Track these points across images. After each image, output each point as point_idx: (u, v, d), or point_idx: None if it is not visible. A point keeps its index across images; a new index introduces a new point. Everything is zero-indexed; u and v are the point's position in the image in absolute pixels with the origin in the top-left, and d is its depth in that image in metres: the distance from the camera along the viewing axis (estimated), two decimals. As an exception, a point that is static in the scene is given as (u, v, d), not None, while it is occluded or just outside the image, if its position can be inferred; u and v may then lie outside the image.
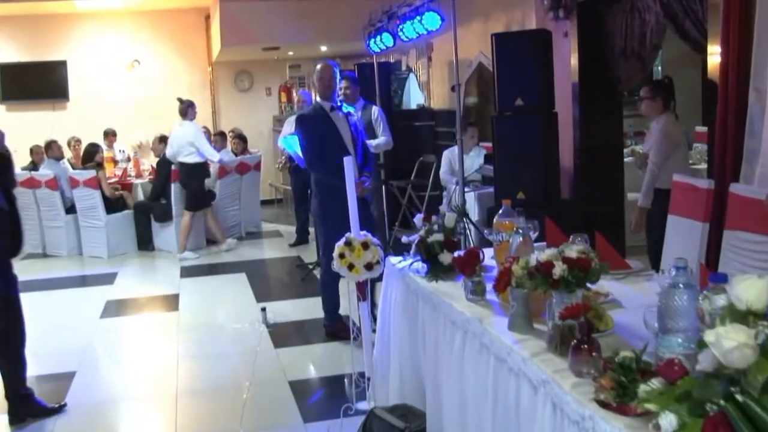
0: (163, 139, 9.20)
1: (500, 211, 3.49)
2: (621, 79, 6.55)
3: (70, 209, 9.16)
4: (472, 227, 6.82)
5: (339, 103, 6.89)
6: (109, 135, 10.89)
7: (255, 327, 5.87)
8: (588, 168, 6.79)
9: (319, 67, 5.73)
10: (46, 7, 11.32)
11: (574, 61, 6.76)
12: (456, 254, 3.27)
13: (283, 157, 8.95)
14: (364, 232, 3.84)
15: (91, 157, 9.17)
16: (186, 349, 5.51)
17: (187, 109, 8.76)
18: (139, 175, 9.87)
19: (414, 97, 11.22)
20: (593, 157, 6.76)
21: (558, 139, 6.56)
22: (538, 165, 6.41)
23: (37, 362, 4.98)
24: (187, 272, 8.01)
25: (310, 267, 7.60)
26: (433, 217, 3.78)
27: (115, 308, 6.77)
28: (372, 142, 7.05)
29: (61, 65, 12.17)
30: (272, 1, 9.96)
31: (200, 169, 8.77)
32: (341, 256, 3.72)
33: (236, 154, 10.08)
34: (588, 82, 6.68)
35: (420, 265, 3.51)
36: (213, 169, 9.57)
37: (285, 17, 10.01)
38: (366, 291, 3.89)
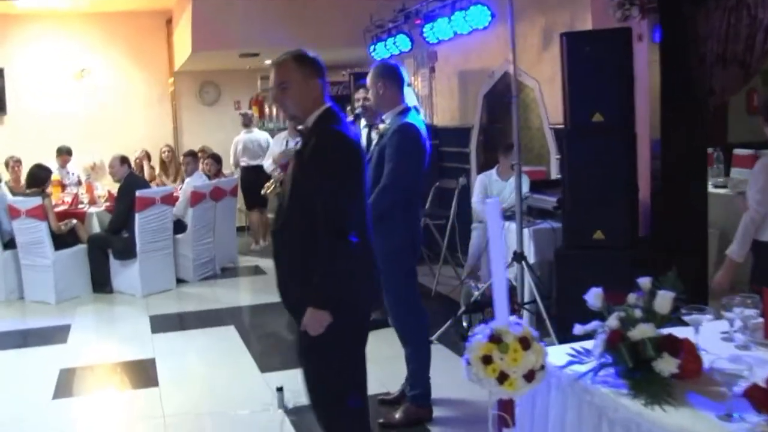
0: (124, 160, 7.57)
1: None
2: (715, 91, 5.26)
3: (9, 244, 7.42)
4: (531, 278, 5.41)
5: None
6: (63, 154, 9.19)
7: (271, 415, 4.34)
8: (667, 199, 5.47)
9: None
10: (-21, 6, 9.57)
11: (653, 69, 5.44)
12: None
13: (274, 180, 7.39)
14: (513, 318, 2.39)
15: (39, 182, 7.43)
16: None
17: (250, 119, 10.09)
18: (92, 202, 8.17)
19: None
20: (673, 185, 5.46)
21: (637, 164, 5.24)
22: (619, 197, 5.06)
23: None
24: (160, 325, 6.37)
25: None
26: (631, 296, 2.36)
27: (72, 382, 5.07)
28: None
29: (-3, 73, 10.39)
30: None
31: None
32: (486, 360, 2.25)
33: (209, 177, 8.48)
34: (670, 95, 5.37)
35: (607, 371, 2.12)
36: (183, 196, 7.98)
37: (267, 19, 8.49)
38: (514, 414, 2.42)
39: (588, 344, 2.50)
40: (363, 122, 5.76)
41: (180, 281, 7.83)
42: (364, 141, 5.65)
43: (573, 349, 2.49)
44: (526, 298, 5.58)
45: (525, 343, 2.26)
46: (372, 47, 7.63)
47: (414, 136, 4.05)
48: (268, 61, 10.09)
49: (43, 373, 5.20)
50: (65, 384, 5.03)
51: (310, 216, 2.80)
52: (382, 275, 4.02)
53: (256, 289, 7.73)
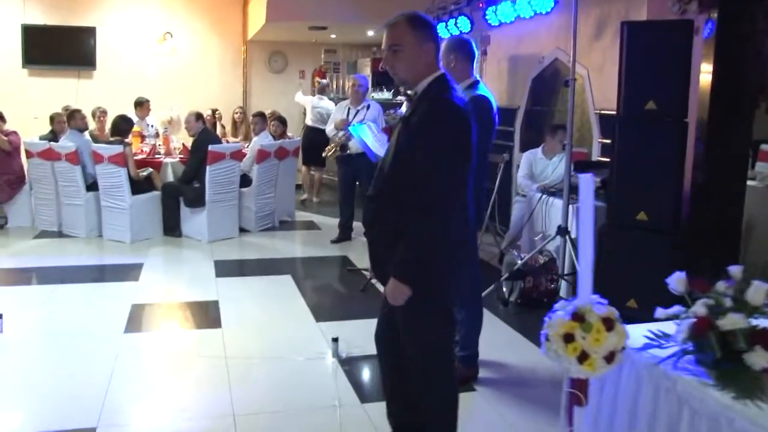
0: (199, 117, 7.32)
1: None
2: (766, 89, 4.82)
3: (92, 186, 7.26)
4: (572, 252, 5.07)
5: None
6: (144, 105, 8.95)
7: (326, 362, 4.10)
8: (709, 189, 5.05)
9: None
10: (77, -31, 9.33)
11: (707, 63, 4.98)
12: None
13: (333, 145, 7.11)
14: (596, 297, 2.08)
15: (122, 132, 7.23)
16: (240, 398, 3.62)
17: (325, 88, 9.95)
18: (168, 153, 7.97)
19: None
20: (716, 177, 5.04)
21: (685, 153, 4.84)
22: (666, 183, 4.67)
23: (47, 405, 3.18)
24: (223, 270, 6.16)
25: (368, 275, 5.81)
26: (721, 284, 2.03)
27: (142, 317, 4.89)
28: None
29: (90, 32, 10.15)
30: (326, -25, 8.06)
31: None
32: (568, 338, 1.94)
33: (275, 138, 8.20)
34: (723, 89, 4.92)
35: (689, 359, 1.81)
36: (251, 153, 7.72)
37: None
38: (588, 392, 2.12)
39: (665, 327, 2.17)
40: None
41: (242, 230, 7.61)
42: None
43: (650, 332, 2.17)
44: (566, 270, 5.25)
45: (609, 323, 1.96)
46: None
47: (488, 108, 3.71)
48: (334, 36, 9.74)
49: (116, 307, 5.01)
50: (136, 319, 4.84)
51: (409, 185, 2.43)
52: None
53: (311, 242, 7.48)
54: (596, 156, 6.45)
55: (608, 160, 5.45)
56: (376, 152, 5.78)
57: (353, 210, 7.47)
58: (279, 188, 8.14)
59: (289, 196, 8.56)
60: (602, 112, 6.34)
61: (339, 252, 7.02)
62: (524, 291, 5.30)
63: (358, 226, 7.50)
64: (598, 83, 6.40)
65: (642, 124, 4.70)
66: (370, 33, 9.26)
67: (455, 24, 6.59)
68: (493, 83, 8.58)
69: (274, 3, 8.05)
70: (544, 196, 5.77)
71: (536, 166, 6.42)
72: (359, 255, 6.81)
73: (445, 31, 6.98)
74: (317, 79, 10.53)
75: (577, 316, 1.95)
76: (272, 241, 7.46)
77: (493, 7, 5.79)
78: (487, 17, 5.92)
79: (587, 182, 1.98)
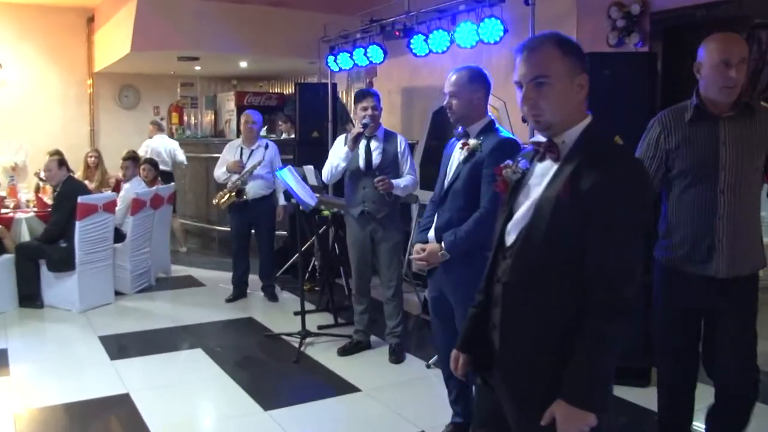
0: (62, 163, 6.00)
1: None
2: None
3: None
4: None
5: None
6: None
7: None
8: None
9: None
10: None
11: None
12: None
13: (227, 191, 6.14)
14: None
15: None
16: None
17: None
18: (18, 207, 6.50)
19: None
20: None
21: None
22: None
23: None
24: (116, 349, 4.95)
25: (300, 339, 4.93)
26: None
27: None
28: (399, 183, 4.63)
29: None
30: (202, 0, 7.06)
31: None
32: None
33: (147, 184, 7.01)
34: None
35: None
36: (123, 203, 6.50)
37: (211, 22, 7.17)
38: None
39: None
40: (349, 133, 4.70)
41: (117, 294, 6.34)
42: (362, 153, 4.61)
43: None
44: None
45: None
46: (332, 58, 6.52)
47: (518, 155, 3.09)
48: (198, 68, 8.70)
49: (-8, 420, 3.72)
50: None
51: (576, 274, 1.77)
52: (461, 307, 3.05)
53: (203, 303, 6.37)
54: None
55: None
56: (306, 200, 4.96)
57: (248, 263, 6.53)
58: (154, 241, 6.96)
59: (165, 250, 7.39)
60: (522, 145, 6.00)
61: (241, 313, 6.04)
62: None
63: (253, 280, 6.56)
64: (518, 116, 6.05)
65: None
66: (243, 64, 8.34)
67: (365, 54, 5.93)
68: (383, 116, 8.03)
69: (141, 30, 6.92)
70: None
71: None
72: (265, 315, 5.92)
73: (349, 61, 6.32)
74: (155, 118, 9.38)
75: None
76: (158, 305, 6.29)
77: (420, 36, 5.20)
78: (412, 47, 5.33)
79: None
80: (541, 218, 1.83)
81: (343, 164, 4.56)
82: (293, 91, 10.33)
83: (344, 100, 8.80)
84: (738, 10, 4.38)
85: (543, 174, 1.92)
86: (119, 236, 6.44)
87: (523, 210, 1.93)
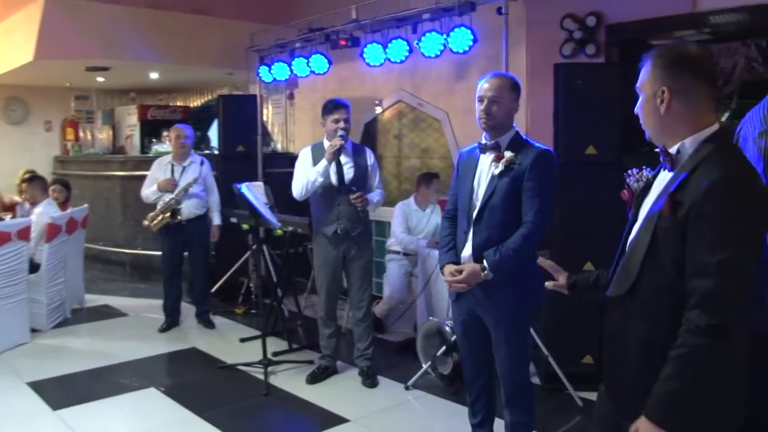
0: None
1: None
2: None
3: None
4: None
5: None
6: None
7: None
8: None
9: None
10: None
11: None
12: None
13: (160, 211, 5.60)
14: None
15: None
16: None
17: None
18: None
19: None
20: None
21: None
22: (610, 229, 4.32)
23: None
24: (54, 396, 4.31)
25: (263, 369, 4.53)
26: None
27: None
28: (372, 198, 4.40)
29: None
30: (117, 5, 6.40)
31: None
32: None
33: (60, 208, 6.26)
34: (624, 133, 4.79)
35: None
36: (37, 229, 5.75)
37: (124, 31, 6.54)
38: None
39: None
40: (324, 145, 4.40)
41: (31, 330, 5.59)
42: (334, 169, 4.31)
43: None
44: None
45: None
46: (266, 68, 6.14)
47: (556, 167, 2.94)
48: (101, 79, 7.97)
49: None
50: None
51: (681, 290, 1.66)
52: (503, 329, 2.85)
53: (134, 335, 5.75)
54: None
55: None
56: (270, 218, 4.59)
57: (181, 288, 6.01)
58: (68, 270, 6.23)
59: (79, 279, 6.65)
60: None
61: (181, 343, 5.53)
62: (457, 363, 4.54)
63: (186, 307, 6.06)
64: (464, 127, 5.97)
65: (583, 171, 4.33)
66: (154, 75, 7.71)
67: (307, 64, 5.61)
68: (305, 129, 7.72)
69: (47, 36, 6.17)
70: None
71: (411, 219, 5.73)
72: (208, 344, 5.48)
73: (285, 71, 5.97)
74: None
75: None
76: (84, 341, 5.61)
77: (376, 45, 4.97)
78: (365, 56, 5.08)
79: None
80: (650, 231, 1.75)
81: (320, 179, 4.24)
82: (199, 104, 9.76)
83: (265, 112, 8.37)
84: (691, 25, 4.51)
85: (662, 182, 1.83)
86: (32, 266, 5.69)
87: (639, 221, 1.85)
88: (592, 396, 4.21)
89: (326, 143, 4.34)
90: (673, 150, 1.79)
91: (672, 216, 1.68)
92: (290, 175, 7.57)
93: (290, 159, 7.76)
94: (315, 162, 4.33)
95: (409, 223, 5.71)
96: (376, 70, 6.07)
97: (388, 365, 4.89)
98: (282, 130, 8.04)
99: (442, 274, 3.04)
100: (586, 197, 4.34)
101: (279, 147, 8.08)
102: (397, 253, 5.72)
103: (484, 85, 2.94)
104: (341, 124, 4.25)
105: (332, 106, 4.31)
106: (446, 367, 4.56)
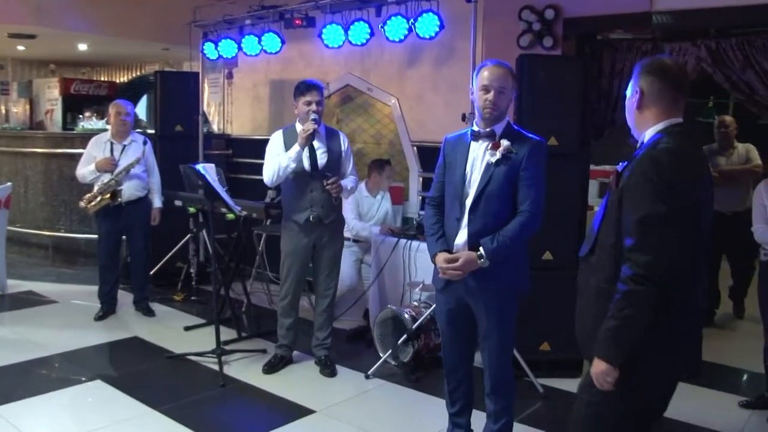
0: None
1: None
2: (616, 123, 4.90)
3: None
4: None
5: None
6: None
7: None
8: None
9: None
10: None
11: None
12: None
13: (98, 192, 5.26)
14: None
15: None
16: None
17: None
18: None
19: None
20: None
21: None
22: (569, 219, 4.42)
23: None
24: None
25: (217, 359, 4.34)
26: None
27: None
28: (346, 184, 4.30)
29: None
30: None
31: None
32: None
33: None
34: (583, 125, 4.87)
35: None
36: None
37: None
38: None
39: None
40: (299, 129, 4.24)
41: None
42: (306, 153, 4.14)
43: None
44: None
45: None
46: (212, 45, 5.86)
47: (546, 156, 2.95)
48: (22, 47, 7.40)
49: None
50: None
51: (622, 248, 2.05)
52: (493, 317, 2.84)
53: (68, 323, 5.40)
54: (415, 190, 5.96)
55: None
56: (230, 201, 4.39)
57: (119, 275, 5.69)
58: (-12, 253, 5.78)
59: (0, 263, 6.15)
60: (421, 144, 5.88)
61: (121, 332, 5.25)
62: (417, 351, 4.51)
63: (122, 294, 5.76)
64: (415, 114, 5.92)
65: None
66: (83, 47, 7.22)
67: (259, 42, 5.39)
68: (244, 110, 7.46)
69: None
70: (407, 240, 5.05)
71: (362, 205, 5.64)
72: (151, 332, 5.25)
73: (233, 48, 5.71)
74: None
75: None
76: (13, 331, 5.21)
77: (336, 26, 4.82)
78: (323, 38, 4.92)
79: None
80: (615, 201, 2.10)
81: (293, 165, 4.08)
82: (126, 80, 9.25)
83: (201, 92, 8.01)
84: (645, 23, 4.62)
85: None
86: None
87: None
88: (553, 383, 4.31)
89: (299, 127, 4.17)
90: (641, 139, 2.16)
91: (616, 188, 2.07)
92: (228, 156, 7.39)
93: (227, 141, 7.51)
94: (287, 147, 4.16)
95: (360, 209, 5.61)
96: (325, 52, 5.93)
97: (341, 354, 4.79)
98: (219, 110, 7.73)
99: (433, 262, 2.98)
100: (547, 188, 4.37)
101: (215, 128, 7.76)
102: (347, 239, 5.61)
103: (488, 74, 2.88)
104: (313, 107, 4.09)
105: (304, 87, 4.14)
106: (406, 355, 4.53)
